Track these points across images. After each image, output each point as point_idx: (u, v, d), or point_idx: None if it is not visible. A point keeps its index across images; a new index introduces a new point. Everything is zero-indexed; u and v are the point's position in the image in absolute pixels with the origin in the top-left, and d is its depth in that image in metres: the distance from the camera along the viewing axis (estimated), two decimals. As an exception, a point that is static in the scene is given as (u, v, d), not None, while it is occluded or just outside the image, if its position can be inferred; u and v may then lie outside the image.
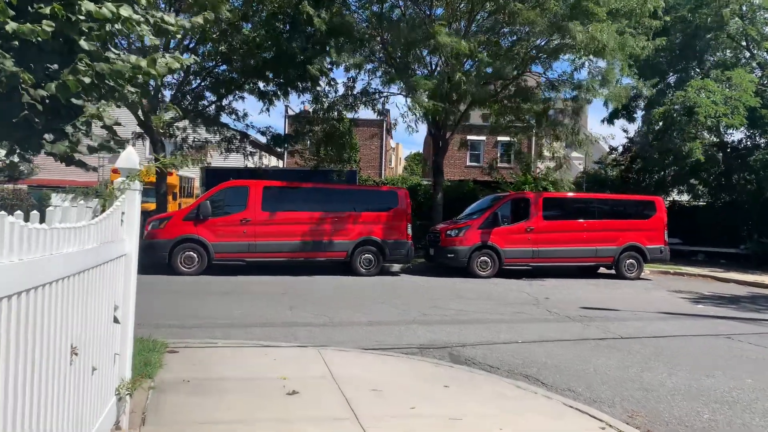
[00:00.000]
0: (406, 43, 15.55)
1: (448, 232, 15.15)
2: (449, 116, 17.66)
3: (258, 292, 11.19)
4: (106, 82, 5.40)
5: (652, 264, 16.78)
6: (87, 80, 5.15)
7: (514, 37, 17.26)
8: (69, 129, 5.55)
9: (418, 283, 13.51)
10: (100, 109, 5.28)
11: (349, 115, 19.49)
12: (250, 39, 16.89)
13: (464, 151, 34.52)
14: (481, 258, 14.95)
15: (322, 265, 14.98)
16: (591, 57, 16.08)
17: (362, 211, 14.84)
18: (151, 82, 17.14)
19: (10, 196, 32.50)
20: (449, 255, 14.95)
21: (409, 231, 15.03)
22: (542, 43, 16.79)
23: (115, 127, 6.09)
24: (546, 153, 19.36)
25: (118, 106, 7.08)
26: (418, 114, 16.20)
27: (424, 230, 17.36)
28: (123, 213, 3.82)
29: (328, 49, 16.81)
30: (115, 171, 15.86)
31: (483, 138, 35.76)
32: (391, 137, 20.28)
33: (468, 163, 36.53)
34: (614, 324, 9.08)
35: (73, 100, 5.16)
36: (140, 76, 5.58)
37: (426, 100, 15.33)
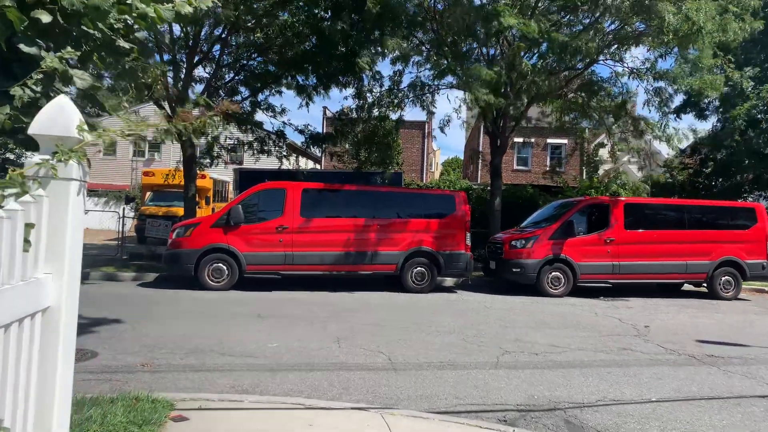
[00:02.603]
0: (464, 27, 13.58)
1: (513, 242, 13.09)
2: (509, 111, 15.63)
3: (296, 314, 9.35)
4: (83, 27, 3.65)
5: (750, 281, 14.38)
6: (45, 18, 3.43)
7: (588, 20, 15.12)
8: (17, 91, 3.79)
9: (482, 304, 11.49)
10: (63, 67, 3.50)
11: (394, 114, 17.65)
12: (288, 25, 15.20)
13: (510, 154, 32.36)
14: (553, 273, 12.84)
15: (367, 278, 13.10)
16: (677, 42, 13.85)
17: (413, 218, 12.92)
18: (163, 68, 15.66)
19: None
20: (515, 269, 12.88)
21: (468, 241, 13.03)
22: (619, 27, 14.63)
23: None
24: (617, 152, 17.09)
25: (101, 74, 5.23)
26: (473, 107, 14.21)
27: (478, 239, 15.34)
28: (33, 226, 1.95)
29: (375, 35, 14.99)
30: (147, 173, 14.36)
31: (531, 139, 33.55)
32: (434, 136, 18.38)
33: (515, 167, 34.26)
34: (762, 369, 6.92)
35: (23, 47, 3.40)
36: (133, 20, 3.82)
37: (485, 91, 13.32)
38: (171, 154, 33.90)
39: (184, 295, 11.05)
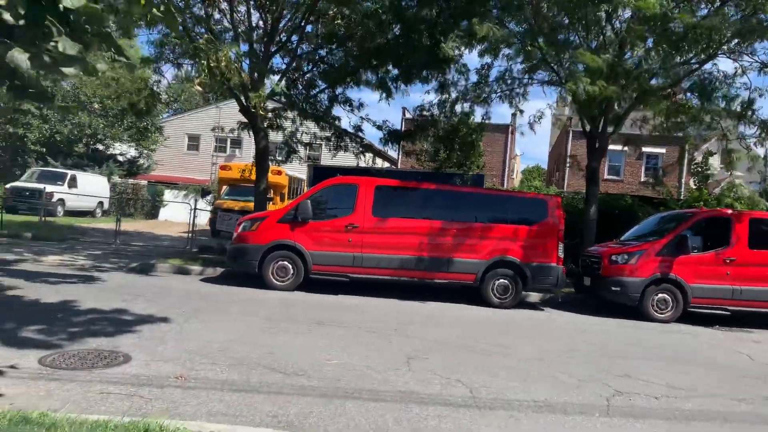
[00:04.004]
0: (570, 8, 12.04)
1: (614, 257, 11.41)
2: (612, 109, 13.92)
3: (361, 324, 8.24)
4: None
5: None
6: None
7: (707, 8, 13.16)
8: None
9: (575, 326, 9.96)
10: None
11: (480, 110, 16.31)
12: (371, 12, 14.22)
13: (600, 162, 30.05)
14: (660, 295, 11.07)
15: (441, 287, 11.83)
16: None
17: (497, 223, 11.53)
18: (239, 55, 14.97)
19: (130, 190, 32.67)
20: (613, 288, 11.21)
21: (560, 252, 11.50)
22: (749, 14, 12.59)
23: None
24: (735, 161, 14.92)
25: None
26: (576, 98, 12.62)
27: (567, 252, 13.68)
28: None
29: (462, 26, 13.74)
30: (224, 167, 13.80)
31: (620, 147, 31.08)
32: (521, 133, 16.79)
33: (606, 176, 31.81)
34: None
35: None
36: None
37: (587, 81, 11.73)
38: (251, 150, 33.99)
39: (245, 293, 10.23)
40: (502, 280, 11.31)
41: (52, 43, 2.86)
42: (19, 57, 2.59)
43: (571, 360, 7.14)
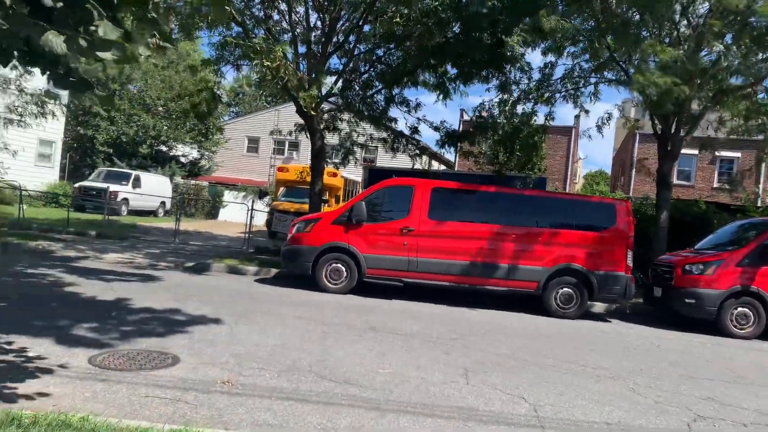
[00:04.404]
0: (643, 2, 11.31)
1: (688, 267, 10.62)
2: (687, 108, 13.05)
3: (416, 332, 7.89)
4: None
5: None
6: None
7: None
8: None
9: (647, 340, 9.28)
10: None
11: (543, 109, 15.64)
12: (431, 10, 13.88)
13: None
14: (740, 309, 10.22)
15: (499, 295, 11.32)
16: None
17: (562, 229, 10.95)
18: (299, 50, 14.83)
19: (191, 190, 33.50)
20: (687, 300, 10.42)
21: (629, 261, 10.80)
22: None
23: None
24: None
25: None
26: (644, 96, 11.87)
27: (637, 261, 12.89)
28: None
29: (525, 23, 13.20)
30: (281, 169, 13.76)
31: (694, 151, 29.46)
32: (589, 136, 16.16)
33: (675, 181, 30.21)
34: None
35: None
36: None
37: (657, 73, 10.97)
38: (308, 152, 34.23)
39: (298, 296, 10.06)
40: (565, 289, 10.71)
41: (92, 27, 2.65)
42: (54, 40, 2.38)
43: (646, 378, 6.55)
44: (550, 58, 15.03)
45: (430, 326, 8.38)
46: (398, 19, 14.47)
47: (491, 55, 13.89)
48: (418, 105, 16.23)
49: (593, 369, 6.77)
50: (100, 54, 2.47)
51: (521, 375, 6.14)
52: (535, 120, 15.75)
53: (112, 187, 23.38)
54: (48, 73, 2.92)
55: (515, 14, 13.04)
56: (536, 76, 15.62)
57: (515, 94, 15.49)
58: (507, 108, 15.57)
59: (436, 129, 16.56)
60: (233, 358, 5.65)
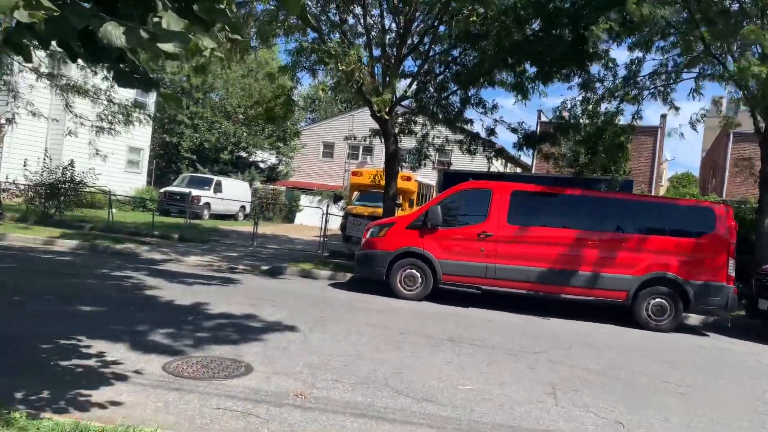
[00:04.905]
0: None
1: (802, 277, 9.56)
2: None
3: (497, 344, 7.45)
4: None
5: None
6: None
7: None
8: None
9: (758, 358, 8.38)
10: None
11: (630, 108, 14.73)
12: (510, 7, 13.35)
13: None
14: None
15: (583, 304, 10.63)
16: None
17: (653, 235, 10.14)
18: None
19: (271, 194, 34.29)
20: (801, 314, 9.38)
21: (731, 270, 9.86)
22: None
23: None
24: None
25: None
26: (745, 90, 10.84)
27: (739, 269, 11.79)
28: None
29: (611, 19, 12.42)
30: (355, 173, 13.67)
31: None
32: (681, 134, 15.12)
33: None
34: None
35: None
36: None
37: (757, 61, 9.98)
38: (382, 156, 34.26)
39: (372, 302, 9.83)
40: (658, 300, 9.91)
41: (155, 19, 2.46)
42: (113, 31, 2.21)
43: (766, 405, 5.82)
44: (638, 53, 14.12)
45: (510, 337, 7.91)
46: (475, 18, 14.02)
47: (573, 52, 13.19)
48: (495, 106, 15.72)
49: (699, 391, 6.10)
50: (161, 46, 2.28)
51: (615, 395, 5.59)
52: (619, 119, 14.86)
53: (195, 192, 24.21)
54: (113, 71, 2.78)
55: (600, 8, 12.30)
56: (621, 72, 14.73)
57: (599, 92, 14.68)
58: (590, 107, 14.77)
59: (514, 130, 15.97)
60: (307, 368, 5.46)
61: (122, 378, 4.67)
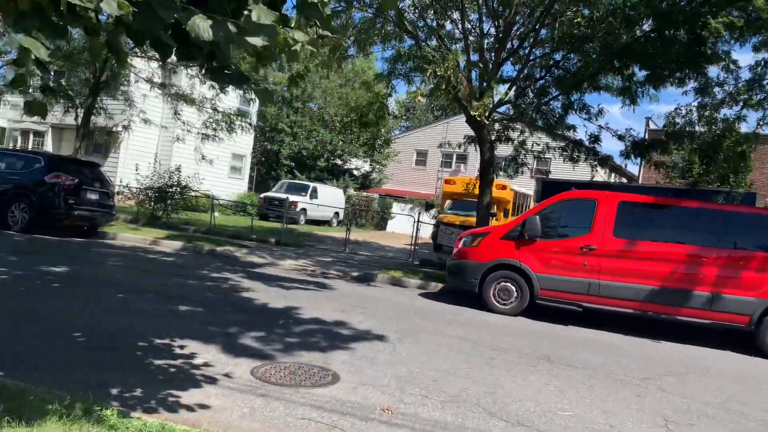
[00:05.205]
0: None
1: None
2: None
3: (598, 366, 6.88)
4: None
5: None
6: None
7: None
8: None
9: None
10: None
11: (754, 114, 13.45)
12: (618, 7, 12.58)
13: None
14: None
15: (697, 327, 9.66)
16: None
17: (782, 254, 9.07)
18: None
19: (364, 201, 34.72)
20: None
21: None
22: None
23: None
24: None
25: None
26: None
27: None
28: None
29: (732, 17, 11.38)
30: (448, 181, 13.37)
31: None
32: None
33: None
34: None
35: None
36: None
37: None
38: (475, 165, 33.71)
39: (464, 314, 9.49)
40: (788, 327, 8.82)
41: (245, 12, 2.34)
42: (201, 24, 2.10)
43: None
44: (765, 54, 12.84)
45: (614, 360, 7.29)
46: (579, 19, 13.35)
47: (689, 53, 12.20)
48: (600, 111, 14.86)
49: (842, 437, 5.26)
50: (249, 40, 2.15)
51: (741, 436, 4.93)
52: (740, 126, 13.59)
53: (292, 198, 24.87)
54: (206, 68, 2.70)
55: (722, 4, 11.27)
56: (745, 75, 13.45)
57: (718, 97, 13.50)
58: (707, 113, 13.62)
59: (620, 138, 15.04)
60: (395, 381, 5.24)
61: (211, 380, 4.67)
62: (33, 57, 2.13)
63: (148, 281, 8.97)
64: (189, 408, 4.02)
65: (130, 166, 22.51)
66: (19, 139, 28.36)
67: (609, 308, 9.59)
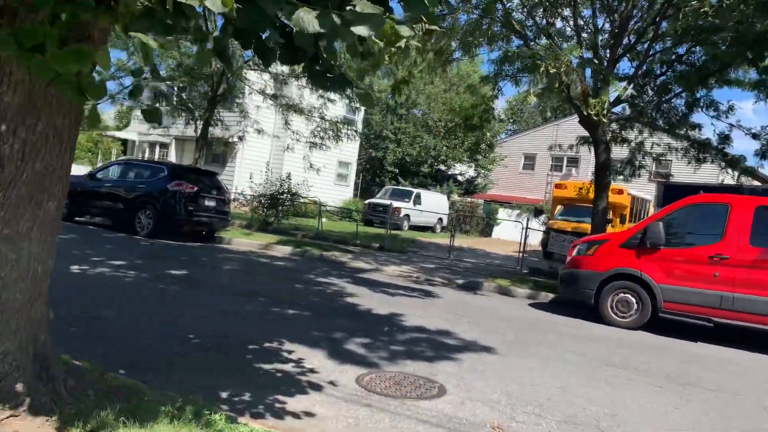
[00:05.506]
0: None
1: None
2: None
3: (739, 391, 6.13)
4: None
5: None
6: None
7: None
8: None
9: None
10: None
11: None
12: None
13: None
14: None
15: None
16: None
17: None
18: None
19: (468, 207, 34.25)
20: None
21: None
22: None
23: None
24: None
25: None
26: None
27: None
28: None
29: None
30: (558, 186, 12.72)
31: None
32: None
33: None
34: None
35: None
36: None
37: None
38: (587, 168, 32.16)
39: (578, 327, 8.92)
40: None
41: (349, 7, 2.23)
42: (306, 17, 2.00)
43: None
44: None
45: (754, 384, 6.49)
46: (706, 9, 12.23)
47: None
48: (731, 107, 13.56)
49: None
50: (354, 29, 2.02)
51: None
52: None
53: (396, 204, 24.98)
54: (308, 71, 2.63)
55: None
56: None
57: None
58: None
59: (755, 136, 13.66)
60: (505, 397, 4.94)
61: (317, 387, 4.63)
62: (148, 54, 2.15)
63: (259, 285, 9.25)
64: (295, 415, 3.98)
65: (244, 175, 23.69)
66: (147, 150, 30.82)
67: (745, 324, 8.61)
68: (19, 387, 2.76)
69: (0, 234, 2.68)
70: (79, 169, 22.28)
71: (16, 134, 2.69)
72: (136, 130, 31.01)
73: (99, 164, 25.43)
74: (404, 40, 2.34)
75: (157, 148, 30.30)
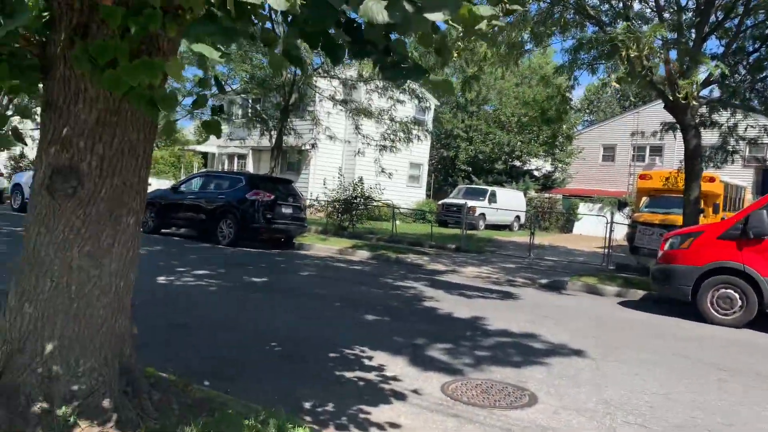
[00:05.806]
0: None
1: None
2: None
3: None
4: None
5: None
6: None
7: None
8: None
9: None
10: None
11: None
12: None
13: None
14: None
15: None
16: None
17: None
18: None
19: (546, 203, 33.22)
20: None
21: None
22: None
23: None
24: None
25: None
26: None
27: None
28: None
29: None
30: (643, 176, 11.99)
31: None
32: None
33: None
34: None
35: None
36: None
37: None
38: (672, 157, 30.37)
39: (675, 326, 8.31)
40: None
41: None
42: (375, 7, 1.85)
43: None
44: None
45: None
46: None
47: None
48: (839, 81, 12.32)
49: None
50: (428, 16, 1.84)
51: None
52: None
53: (470, 203, 24.53)
54: (379, 65, 2.46)
55: None
56: None
57: None
58: None
59: None
60: (602, 406, 4.60)
61: (401, 397, 4.47)
62: (210, 65, 2.06)
63: (337, 290, 9.23)
64: (380, 426, 3.84)
65: (318, 181, 24.04)
66: (226, 162, 31.95)
67: None
68: (106, 403, 2.76)
69: (81, 250, 2.69)
70: (162, 183, 23.37)
71: (93, 151, 2.70)
72: (215, 144, 32.20)
73: (181, 177, 26.56)
74: (484, 21, 2.13)
75: (236, 160, 31.34)
